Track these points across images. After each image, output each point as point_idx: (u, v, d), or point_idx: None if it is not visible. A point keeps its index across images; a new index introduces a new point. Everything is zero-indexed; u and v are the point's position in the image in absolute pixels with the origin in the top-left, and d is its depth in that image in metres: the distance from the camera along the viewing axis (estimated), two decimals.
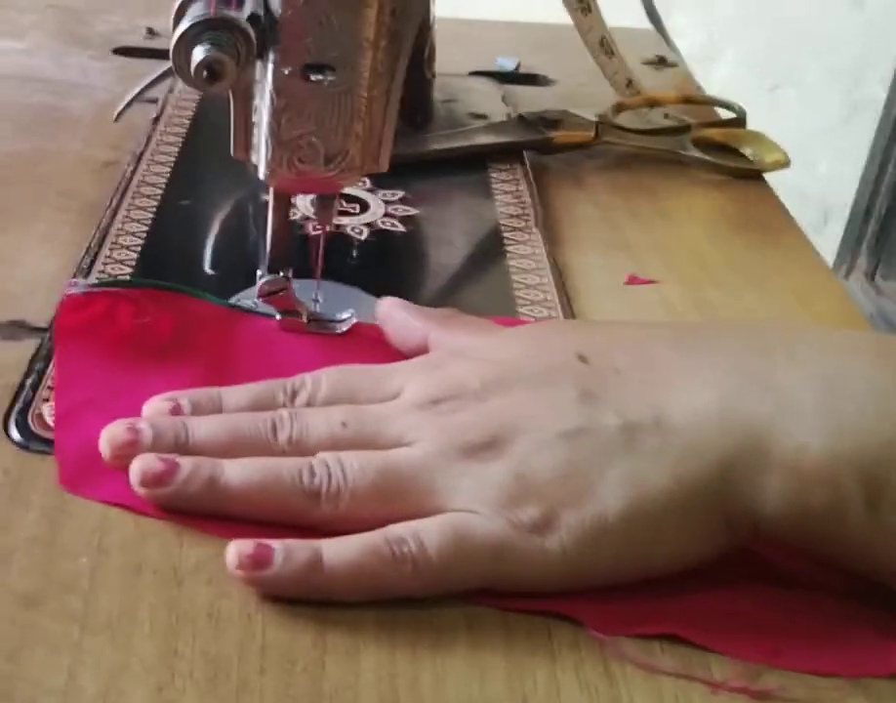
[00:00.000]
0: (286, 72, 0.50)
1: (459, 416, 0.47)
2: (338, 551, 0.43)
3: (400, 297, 0.57)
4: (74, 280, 0.57)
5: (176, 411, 0.50)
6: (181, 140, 0.79)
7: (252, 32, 0.49)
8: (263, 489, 0.46)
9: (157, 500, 0.46)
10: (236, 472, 0.46)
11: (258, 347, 0.56)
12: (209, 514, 0.46)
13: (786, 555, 0.46)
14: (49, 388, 0.53)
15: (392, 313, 0.56)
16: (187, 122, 0.82)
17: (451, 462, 0.46)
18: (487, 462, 0.45)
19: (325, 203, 0.56)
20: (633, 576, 0.44)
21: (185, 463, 0.46)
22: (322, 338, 0.57)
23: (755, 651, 0.42)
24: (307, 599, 0.43)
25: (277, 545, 0.43)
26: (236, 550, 0.43)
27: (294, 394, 0.50)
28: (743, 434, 0.44)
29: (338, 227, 0.68)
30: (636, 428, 0.45)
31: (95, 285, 0.56)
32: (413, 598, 0.43)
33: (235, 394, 0.51)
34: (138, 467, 0.46)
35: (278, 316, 0.57)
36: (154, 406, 0.50)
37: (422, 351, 0.54)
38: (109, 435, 0.48)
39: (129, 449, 0.47)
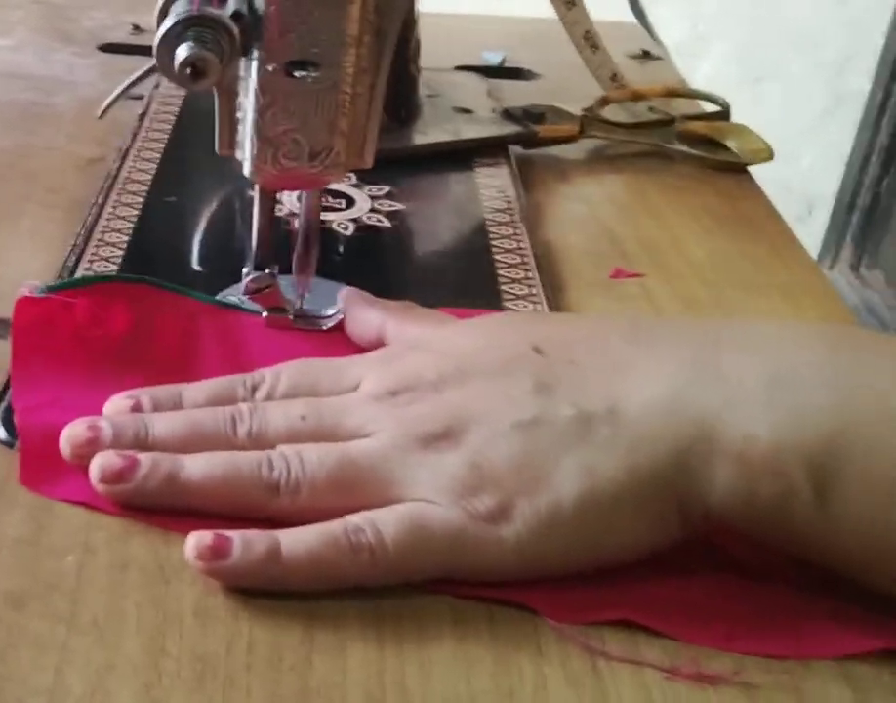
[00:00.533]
0: (270, 69, 0.50)
1: (415, 407, 0.48)
2: (296, 540, 0.44)
3: (385, 292, 0.57)
4: (29, 283, 0.56)
5: (136, 408, 0.50)
6: (166, 136, 0.79)
7: (235, 29, 0.49)
8: (223, 483, 0.46)
9: (118, 497, 0.46)
10: (196, 466, 0.46)
11: (220, 336, 0.56)
12: (169, 509, 0.46)
13: (738, 542, 0.47)
14: None
15: (349, 306, 0.57)
16: (173, 119, 0.82)
17: (408, 453, 0.46)
18: (443, 452, 0.46)
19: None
20: (587, 565, 0.45)
21: (145, 459, 0.46)
22: (298, 333, 0.57)
23: (708, 636, 0.43)
24: (294, 595, 0.43)
25: (236, 535, 0.44)
26: (195, 541, 0.44)
27: (254, 389, 0.51)
28: (693, 425, 0.44)
29: (323, 222, 0.68)
30: (590, 418, 0.45)
31: (50, 288, 0.55)
32: (396, 590, 0.44)
33: (195, 391, 0.51)
34: (97, 464, 0.47)
35: (265, 313, 0.57)
36: (115, 404, 0.50)
37: (378, 344, 0.55)
38: (70, 434, 0.48)
39: (89, 447, 0.48)
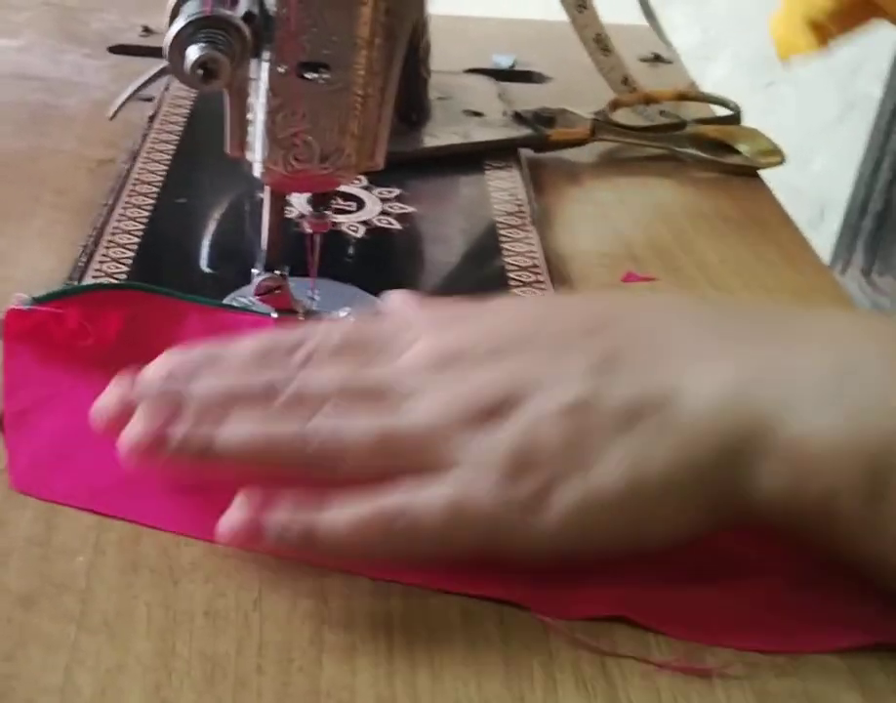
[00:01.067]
0: (281, 71, 0.50)
1: (466, 379, 0.46)
2: (332, 524, 0.43)
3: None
4: (18, 296, 0.56)
5: (179, 368, 0.49)
6: (176, 138, 0.79)
7: (247, 31, 0.49)
8: (262, 451, 0.46)
9: (154, 466, 0.46)
10: (233, 435, 0.46)
11: (212, 338, 0.56)
12: (177, 508, 0.46)
13: (734, 538, 0.46)
14: None
15: (391, 307, 0.55)
16: (183, 120, 0.82)
17: (455, 426, 0.45)
18: (490, 429, 0.45)
19: (320, 206, 0.56)
20: (624, 553, 0.45)
21: (179, 429, 0.46)
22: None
23: (698, 632, 0.43)
24: (305, 595, 0.43)
25: (271, 521, 0.43)
26: (227, 526, 0.43)
27: (301, 346, 0.49)
28: (749, 422, 0.43)
29: (334, 224, 0.68)
30: (644, 405, 0.44)
31: (37, 299, 0.55)
32: (406, 591, 0.44)
33: (239, 347, 0.50)
34: (129, 433, 0.46)
35: (275, 315, 0.57)
36: (158, 366, 0.49)
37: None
38: (102, 407, 0.48)
39: (124, 411, 0.47)
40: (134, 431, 0.46)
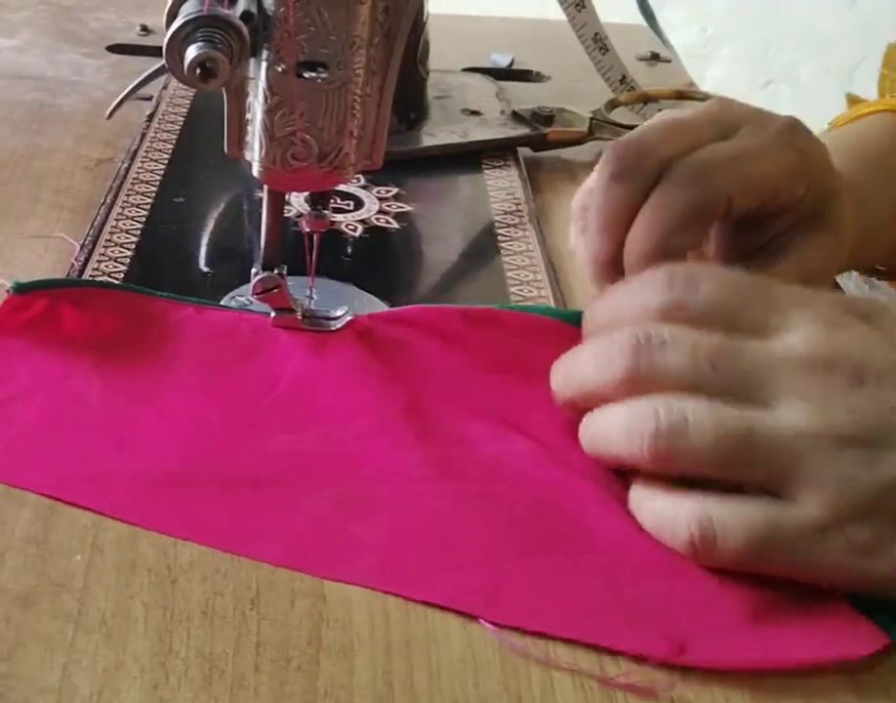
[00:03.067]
0: (279, 70, 0.50)
1: (851, 396, 0.42)
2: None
3: (394, 294, 0.57)
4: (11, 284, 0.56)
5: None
6: (175, 137, 0.79)
7: (245, 30, 0.49)
8: (610, 441, 0.46)
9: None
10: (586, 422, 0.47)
11: (204, 336, 0.56)
12: (172, 512, 0.46)
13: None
14: None
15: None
16: (182, 119, 0.82)
17: (820, 449, 0.42)
18: (849, 462, 0.41)
19: (318, 205, 0.56)
20: None
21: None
22: (310, 335, 0.57)
23: (661, 648, 0.42)
24: (302, 595, 0.43)
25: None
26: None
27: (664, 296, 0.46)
28: None
29: (332, 223, 0.68)
30: None
31: (24, 286, 0.55)
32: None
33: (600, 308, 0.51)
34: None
35: (273, 314, 0.57)
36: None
37: None
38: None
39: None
40: None
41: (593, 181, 0.58)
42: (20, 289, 0.55)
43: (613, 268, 0.57)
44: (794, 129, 0.57)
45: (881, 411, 0.42)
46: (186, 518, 0.46)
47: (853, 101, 0.78)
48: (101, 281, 0.60)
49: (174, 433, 0.50)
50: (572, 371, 0.49)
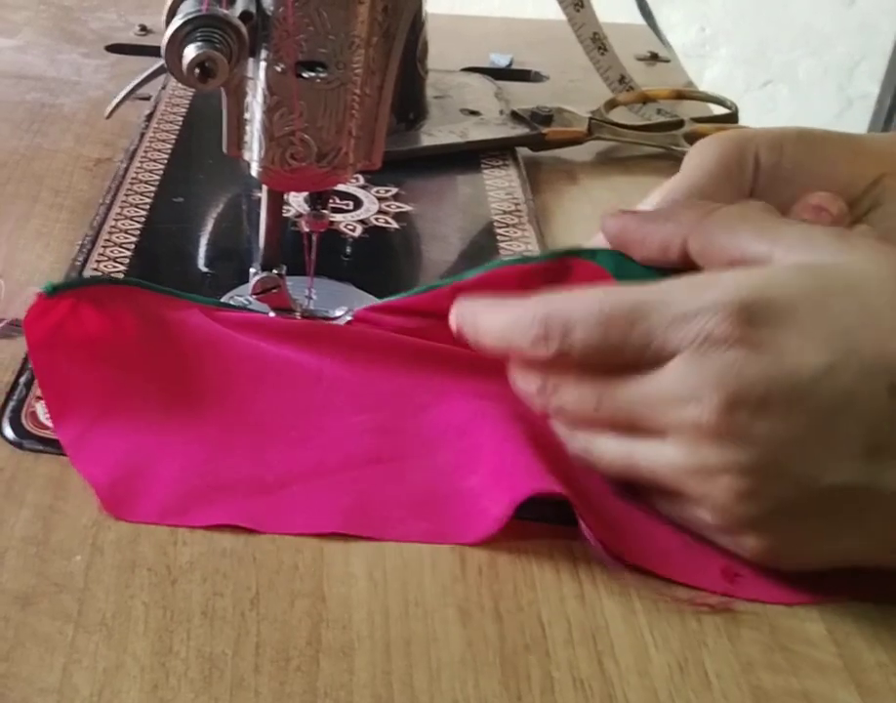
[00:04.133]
0: (278, 70, 0.50)
1: (716, 432, 0.42)
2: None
3: (393, 293, 0.57)
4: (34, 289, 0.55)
5: None
6: (174, 137, 0.79)
7: (244, 30, 0.49)
8: None
9: None
10: None
11: (237, 338, 0.56)
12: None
13: None
14: None
15: (626, 224, 0.51)
16: (181, 119, 0.82)
17: (703, 476, 0.43)
18: (736, 491, 0.42)
19: (317, 205, 0.56)
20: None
21: None
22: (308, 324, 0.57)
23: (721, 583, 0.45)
24: (302, 594, 0.43)
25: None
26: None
27: (535, 344, 0.46)
28: None
29: (331, 223, 0.68)
30: None
31: (55, 287, 0.53)
32: (404, 591, 0.44)
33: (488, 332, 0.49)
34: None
35: (272, 314, 0.57)
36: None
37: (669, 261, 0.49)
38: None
39: None
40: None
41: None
42: (53, 291, 0.53)
43: None
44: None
45: (760, 443, 0.42)
46: (314, 512, 0.47)
47: None
48: (128, 280, 0.59)
49: (258, 433, 0.51)
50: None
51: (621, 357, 0.44)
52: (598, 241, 0.53)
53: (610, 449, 0.46)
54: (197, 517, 0.46)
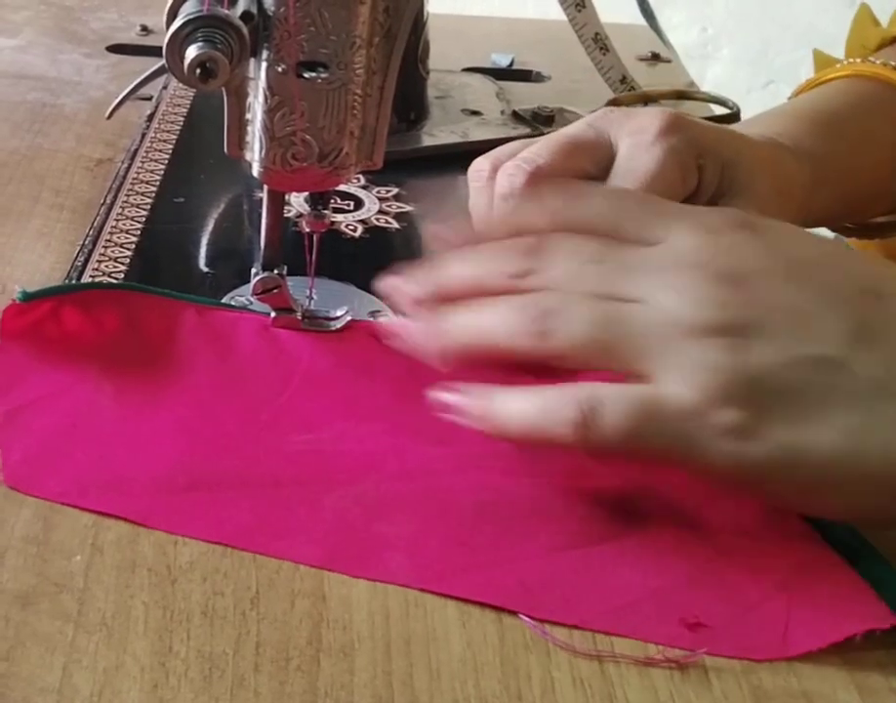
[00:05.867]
0: (279, 70, 0.50)
1: (719, 290, 0.44)
2: (513, 404, 0.45)
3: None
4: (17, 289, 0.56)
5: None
6: (175, 137, 0.79)
7: (245, 30, 0.49)
8: (488, 331, 0.47)
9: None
10: (468, 323, 0.48)
11: (209, 336, 0.56)
12: (176, 511, 0.47)
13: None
14: None
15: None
16: (182, 120, 0.82)
17: (682, 334, 0.44)
18: (723, 347, 0.43)
19: (318, 205, 0.56)
20: (803, 510, 0.45)
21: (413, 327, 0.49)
22: (315, 335, 0.57)
23: (687, 638, 0.42)
24: (302, 594, 0.43)
25: (460, 392, 0.46)
26: (434, 395, 0.47)
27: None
28: None
29: (332, 224, 0.68)
30: (893, 390, 0.43)
31: (28, 295, 0.55)
32: (404, 591, 0.44)
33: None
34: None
35: (273, 314, 0.57)
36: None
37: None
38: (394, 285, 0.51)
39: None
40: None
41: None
42: (27, 298, 0.54)
43: None
44: (666, 130, 0.55)
45: (753, 305, 0.44)
46: (212, 521, 0.46)
47: (822, 61, 0.79)
48: (104, 283, 0.60)
49: (190, 435, 0.50)
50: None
51: (624, 231, 0.47)
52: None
53: (594, 302, 0.45)
54: (92, 502, 0.46)
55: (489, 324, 0.47)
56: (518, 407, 0.45)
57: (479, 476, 0.49)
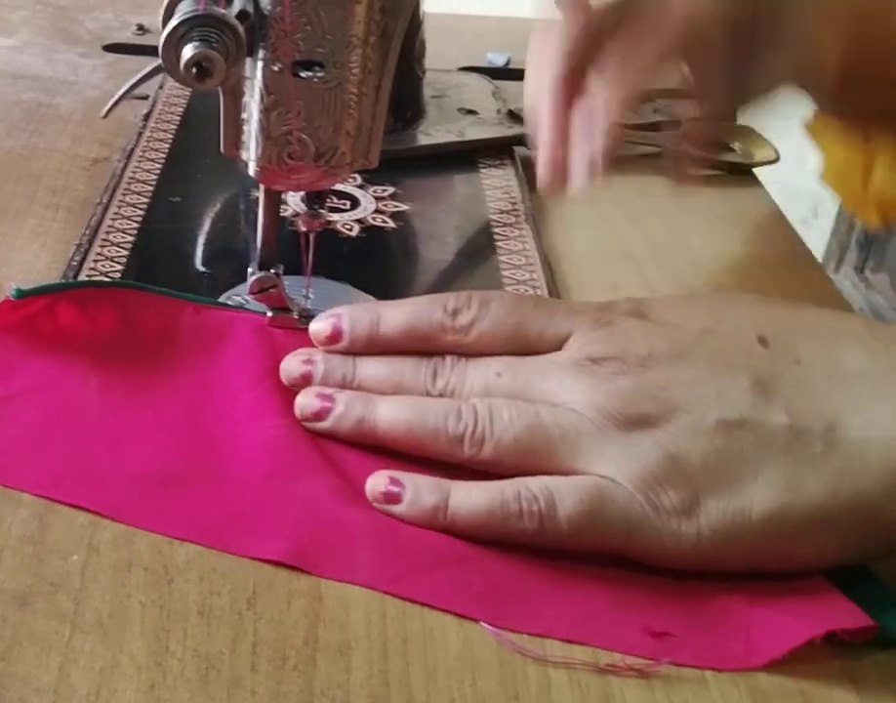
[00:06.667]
0: (275, 69, 0.50)
1: (618, 382, 0.46)
2: (466, 498, 0.45)
3: (391, 293, 0.57)
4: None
5: (334, 339, 0.51)
6: (171, 136, 0.79)
7: (241, 29, 0.49)
8: (408, 430, 0.48)
9: (320, 431, 0.50)
10: (386, 411, 0.48)
11: (204, 335, 0.56)
12: (172, 512, 0.47)
13: None
14: None
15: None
16: (178, 119, 0.82)
17: (601, 428, 0.45)
18: (639, 436, 0.45)
19: (314, 204, 0.56)
20: (768, 570, 0.45)
21: (339, 401, 0.50)
22: (292, 334, 0.57)
23: (649, 646, 0.42)
24: (299, 594, 0.43)
25: (408, 485, 0.46)
26: (371, 485, 0.47)
27: (455, 313, 0.50)
28: None
29: (328, 223, 0.68)
30: (804, 431, 0.44)
31: (26, 292, 0.54)
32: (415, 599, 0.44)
33: (394, 314, 0.51)
34: (300, 402, 0.51)
35: (269, 313, 0.57)
36: (320, 328, 0.52)
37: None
38: (286, 369, 0.51)
39: (302, 382, 0.51)
40: (301, 400, 0.51)
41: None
42: (22, 295, 0.54)
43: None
44: None
45: (651, 389, 0.45)
46: (181, 518, 0.46)
47: None
48: (100, 281, 0.60)
49: (169, 433, 0.50)
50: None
51: (524, 338, 0.49)
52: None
53: (510, 413, 0.46)
54: (64, 494, 0.47)
55: (414, 423, 0.48)
56: (475, 502, 0.45)
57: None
